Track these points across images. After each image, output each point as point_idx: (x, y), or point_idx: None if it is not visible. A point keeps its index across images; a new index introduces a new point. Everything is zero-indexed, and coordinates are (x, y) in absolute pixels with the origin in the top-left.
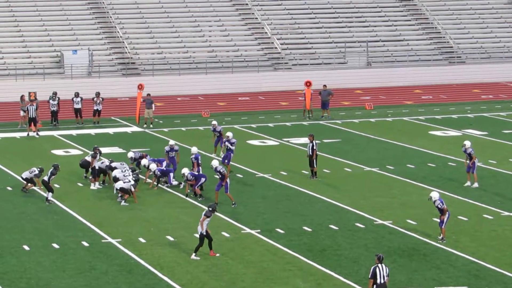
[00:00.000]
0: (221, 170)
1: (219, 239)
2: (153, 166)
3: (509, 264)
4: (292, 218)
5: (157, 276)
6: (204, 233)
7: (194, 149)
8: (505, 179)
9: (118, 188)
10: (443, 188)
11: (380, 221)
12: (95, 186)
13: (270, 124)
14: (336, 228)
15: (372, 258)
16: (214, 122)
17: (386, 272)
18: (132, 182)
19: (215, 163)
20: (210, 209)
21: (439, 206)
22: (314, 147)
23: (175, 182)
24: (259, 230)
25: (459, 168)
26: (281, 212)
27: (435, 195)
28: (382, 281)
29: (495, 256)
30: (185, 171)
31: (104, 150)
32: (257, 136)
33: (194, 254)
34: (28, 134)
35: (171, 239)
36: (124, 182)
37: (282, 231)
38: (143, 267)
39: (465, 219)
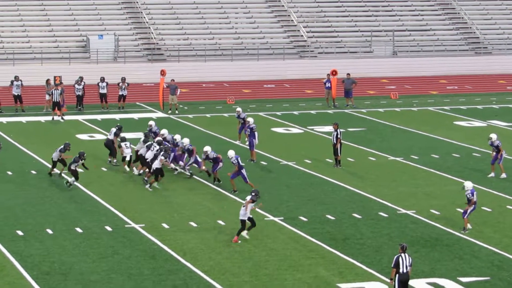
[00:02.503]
0: (234, 162)
1: None
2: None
3: None
4: (316, 206)
5: (180, 262)
6: (250, 216)
7: (231, 153)
8: None
9: (154, 169)
10: (467, 179)
11: (403, 211)
12: (138, 172)
13: (295, 112)
14: (359, 217)
15: (395, 247)
16: (239, 109)
17: (409, 262)
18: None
19: (231, 153)
20: (254, 194)
21: (468, 196)
22: (339, 136)
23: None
24: (282, 218)
25: (484, 159)
26: (305, 200)
27: (468, 185)
28: (405, 271)
29: None
30: (208, 149)
31: (128, 135)
32: (282, 124)
33: (237, 236)
34: (53, 118)
35: (194, 225)
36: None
37: (305, 219)
38: (166, 252)
39: (489, 210)
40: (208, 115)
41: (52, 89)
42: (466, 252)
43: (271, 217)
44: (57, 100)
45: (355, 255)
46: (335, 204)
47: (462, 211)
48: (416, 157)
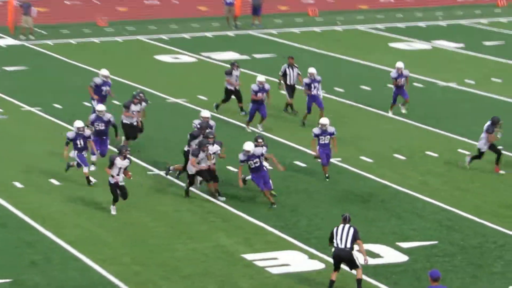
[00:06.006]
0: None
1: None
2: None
3: (490, 213)
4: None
5: (38, 231)
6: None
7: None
8: (485, 104)
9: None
10: (406, 116)
11: None
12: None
13: (186, 35)
14: (270, 167)
15: (316, 206)
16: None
17: (350, 235)
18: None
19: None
20: None
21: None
22: (300, 73)
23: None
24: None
25: (427, 90)
26: None
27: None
28: (341, 246)
29: (473, 202)
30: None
31: None
32: (169, 51)
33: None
34: None
35: (56, 183)
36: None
37: None
38: (20, 219)
39: (435, 155)
40: (73, 41)
41: None
42: (406, 209)
43: (156, 171)
44: None
45: (264, 217)
46: (238, 151)
47: (402, 158)
48: (341, 90)
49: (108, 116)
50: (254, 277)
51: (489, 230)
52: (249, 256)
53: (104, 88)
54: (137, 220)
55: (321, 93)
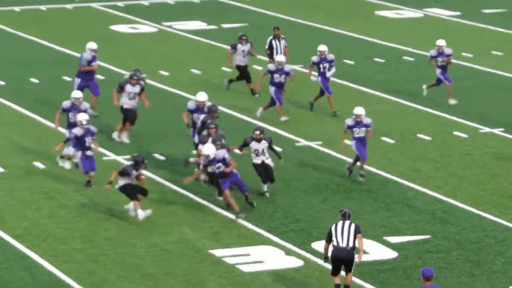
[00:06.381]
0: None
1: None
2: None
3: (490, 203)
4: (177, 138)
5: None
6: None
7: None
8: (485, 81)
9: None
10: (396, 95)
11: (304, 142)
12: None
13: (144, 2)
14: (240, 152)
15: (292, 194)
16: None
17: (352, 232)
18: None
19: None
20: None
21: None
22: (286, 45)
23: None
24: (128, 156)
25: (419, 65)
26: (161, 127)
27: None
28: (342, 245)
29: (471, 191)
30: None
31: None
32: (126, 20)
33: None
34: None
35: (1, 170)
36: None
37: (162, 157)
38: None
39: (428, 138)
40: (16, 8)
41: None
42: (396, 200)
43: (113, 156)
44: None
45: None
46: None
47: (390, 141)
48: None
49: (85, 105)
50: (224, 275)
51: (488, 222)
52: (217, 252)
53: (94, 64)
54: (90, 212)
55: (331, 73)
